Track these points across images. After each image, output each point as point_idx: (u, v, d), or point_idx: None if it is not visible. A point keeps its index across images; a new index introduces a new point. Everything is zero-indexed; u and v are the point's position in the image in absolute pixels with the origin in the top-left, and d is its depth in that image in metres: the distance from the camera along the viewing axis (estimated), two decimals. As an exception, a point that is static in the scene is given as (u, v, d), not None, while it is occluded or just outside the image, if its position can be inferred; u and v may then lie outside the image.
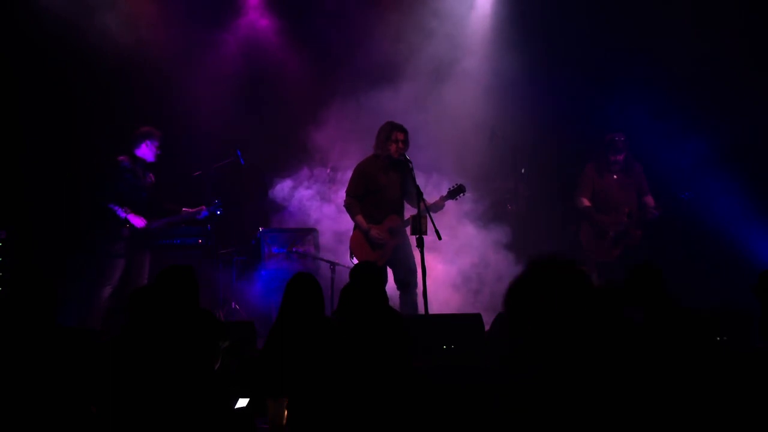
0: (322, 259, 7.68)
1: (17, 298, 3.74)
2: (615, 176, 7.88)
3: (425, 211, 6.33)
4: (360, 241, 6.84)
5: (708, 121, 8.06)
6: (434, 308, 6.61)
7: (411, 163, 6.52)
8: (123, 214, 7.14)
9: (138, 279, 7.25)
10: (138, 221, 7.21)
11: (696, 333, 4.18)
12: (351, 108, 8.18)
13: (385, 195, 6.82)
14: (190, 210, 7.60)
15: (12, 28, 7.78)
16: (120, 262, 7.22)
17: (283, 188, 8.31)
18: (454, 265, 7.95)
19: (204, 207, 7.62)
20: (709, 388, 3.65)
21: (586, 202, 7.95)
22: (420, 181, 6.52)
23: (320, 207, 8.25)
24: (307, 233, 8.04)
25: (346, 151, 8.21)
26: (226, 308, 8.01)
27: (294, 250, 8.00)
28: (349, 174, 7.40)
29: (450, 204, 6.94)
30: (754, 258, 7.81)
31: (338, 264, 7.36)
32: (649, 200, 7.81)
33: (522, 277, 2.58)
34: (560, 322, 2.68)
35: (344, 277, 6.56)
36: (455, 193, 6.80)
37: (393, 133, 6.74)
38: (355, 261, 6.66)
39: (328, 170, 8.43)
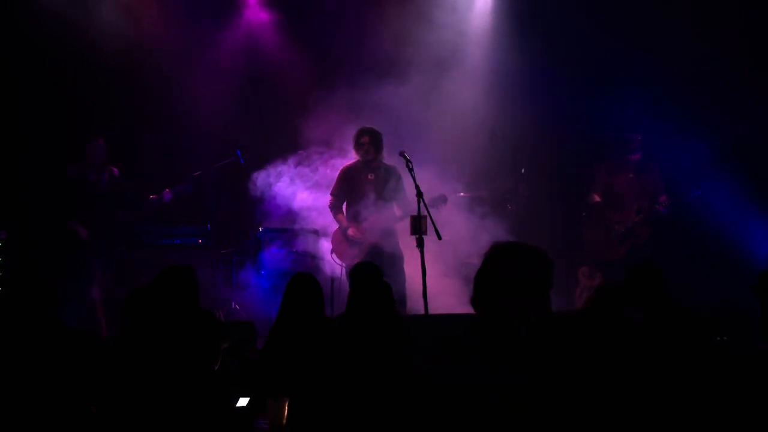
0: (323, 259, 7.68)
1: (17, 298, 3.74)
2: (630, 174, 7.87)
3: (426, 211, 6.32)
4: (339, 239, 7.27)
5: (708, 121, 8.06)
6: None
7: (411, 162, 6.47)
8: (70, 225, 7.28)
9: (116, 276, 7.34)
10: (82, 232, 7.32)
11: (696, 333, 4.18)
12: (351, 105, 8.14)
13: (364, 196, 7.08)
14: (155, 196, 7.61)
15: (12, 28, 7.78)
16: (94, 262, 7.27)
17: (278, 180, 8.24)
18: (453, 263, 7.93)
19: (168, 190, 7.63)
20: (708, 388, 3.65)
21: (597, 198, 7.96)
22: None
23: (316, 199, 8.17)
24: (308, 233, 8.03)
25: (346, 148, 8.17)
26: (226, 308, 8.00)
27: (294, 250, 8.00)
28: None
29: (451, 204, 7.10)
30: (754, 258, 7.81)
31: (338, 264, 7.36)
32: (663, 201, 7.77)
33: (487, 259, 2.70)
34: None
35: (344, 278, 6.58)
36: (436, 202, 6.81)
37: (358, 137, 7.13)
38: (335, 257, 7.22)
39: (328, 169, 8.39)
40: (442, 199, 6.94)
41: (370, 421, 4.16)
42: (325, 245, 7.95)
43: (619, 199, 7.86)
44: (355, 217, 7.14)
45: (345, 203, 7.27)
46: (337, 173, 7.38)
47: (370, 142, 7.08)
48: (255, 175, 8.08)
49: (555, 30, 8.51)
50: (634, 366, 3.13)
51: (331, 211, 7.33)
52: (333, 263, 7.54)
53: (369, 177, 7.14)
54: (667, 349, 3.80)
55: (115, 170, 7.58)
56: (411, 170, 6.40)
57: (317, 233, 8.03)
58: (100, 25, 7.96)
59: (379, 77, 8.12)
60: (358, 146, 7.15)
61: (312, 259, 7.79)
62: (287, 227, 8.20)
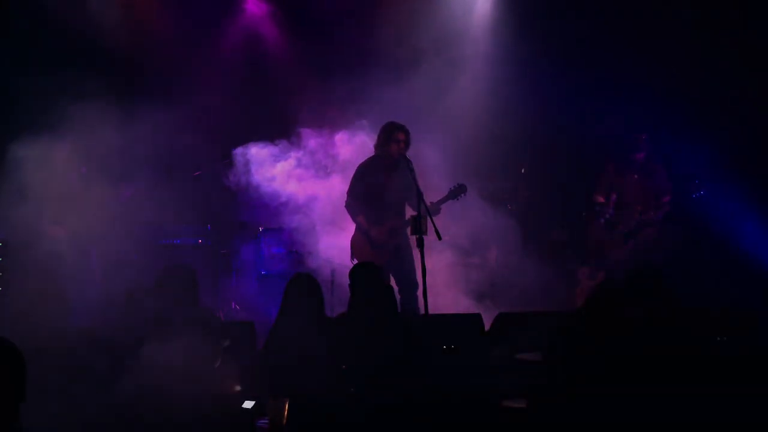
0: (323, 259, 7.66)
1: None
2: (635, 176, 7.88)
3: (426, 211, 6.30)
4: (360, 242, 6.85)
5: (709, 122, 8.06)
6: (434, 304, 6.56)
7: (411, 163, 6.42)
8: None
9: None
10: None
11: (696, 333, 4.19)
12: (350, 99, 8.11)
13: (386, 196, 6.80)
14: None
15: (10, 26, 7.78)
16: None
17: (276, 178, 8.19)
18: (456, 264, 7.93)
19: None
20: (708, 387, 3.65)
21: (601, 199, 7.97)
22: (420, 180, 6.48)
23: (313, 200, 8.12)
24: (307, 232, 8.00)
25: (346, 147, 8.15)
26: (226, 308, 8.00)
27: (294, 250, 7.98)
28: (342, 166, 7.47)
29: (452, 204, 6.90)
30: (755, 258, 7.80)
31: (338, 264, 7.34)
32: (666, 202, 7.76)
33: None
34: None
35: (344, 278, 6.54)
36: (456, 192, 6.79)
37: (394, 133, 6.76)
38: (356, 261, 6.65)
39: (328, 169, 8.35)
40: (462, 189, 6.77)
41: (370, 420, 4.17)
42: (322, 243, 7.90)
43: (623, 200, 7.87)
44: (381, 219, 6.78)
45: (365, 203, 6.81)
46: (355, 172, 6.97)
47: (405, 140, 6.72)
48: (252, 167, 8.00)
49: (555, 31, 8.51)
50: (634, 364, 3.14)
51: (350, 212, 6.89)
52: (333, 263, 7.51)
53: (394, 176, 6.75)
54: (668, 349, 3.80)
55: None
56: (412, 170, 6.36)
57: (316, 233, 7.98)
58: (100, 22, 7.93)
59: (378, 71, 8.08)
60: (391, 143, 6.73)
61: (312, 258, 7.76)
62: (287, 227, 8.16)
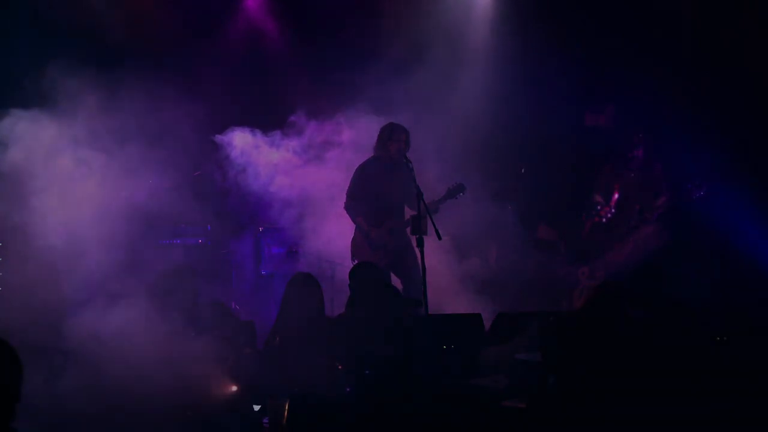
0: (323, 259, 7.65)
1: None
2: (632, 174, 7.90)
3: (425, 211, 6.29)
4: (361, 243, 6.84)
5: (710, 121, 8.05)
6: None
7: (411, 163, 6.40)
8: None
9: None
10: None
11: (697, 333, 4.19)
12: (350, 99, 8.09)
13: (386, 197, 6.79)
14: None
15: (7, 22, 7.76)
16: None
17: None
18: (457, 264, 7.92)
19: None
20: (708, 388, 3.65)
21: (599, 198, 7.98)
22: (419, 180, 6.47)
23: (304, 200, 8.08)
24: (307, 231, 7.99)
25: (346, 144, 8.12)
26: (226, 308, 8.00)
27: (294, 249, 7.98)
28: (342, 156, 7.51)
29: (452, 203, 6.88)
30: (757, 258, 7.80)
31: (339, 263, 7.34)
32: (662, 201, 7.77)
33: None
34: None
35: (344, 277, 6.54)
36: (454, 192, 6.79)
37: (395, 133, 6.78)
38: (356, 262, 6.59)
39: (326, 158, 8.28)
40: (461, 189, 6.78)
41: (370, 420, 4.17)
42: (322, 242, 7.88)
43: (620, 199, 7.88)
44: (380, 220, 6.79)
45: (365, 204, 6.82)
46: (354, 173, 6.96)
47: (406, 140, 6.75)
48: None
49: (556, 31, 8.49)
50: (635, 364, 3.14)
51: (349, 213, 6.90)
52: (333, 263, 7.51)
53: (394, 177, 6.74)
54: (668, 349, 3.81)
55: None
56: (411, 170, 6.34)
57: (316, 233, 7.95)
58: (94, 3, 7.90)
59: (381, 75, 8.08)
60: (391, 143, 6.75)
61: (312, 258, 7.74)
62: (287, 227, 8.14)
